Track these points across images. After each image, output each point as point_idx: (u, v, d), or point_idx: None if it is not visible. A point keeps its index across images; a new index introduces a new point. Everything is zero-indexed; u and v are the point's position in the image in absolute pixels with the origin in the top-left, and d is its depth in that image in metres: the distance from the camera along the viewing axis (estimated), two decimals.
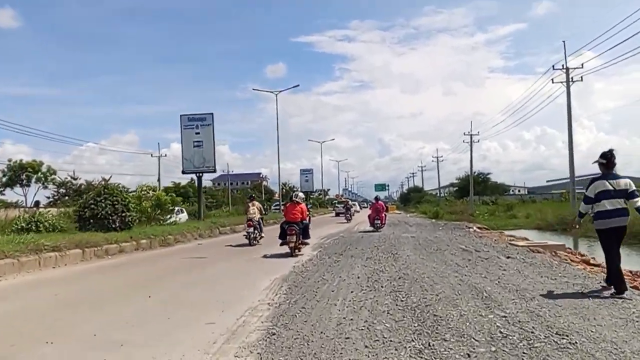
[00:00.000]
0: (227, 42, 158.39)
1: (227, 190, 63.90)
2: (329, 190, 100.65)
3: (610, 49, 66.19)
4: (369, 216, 22.57)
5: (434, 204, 66.54)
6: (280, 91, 42.91)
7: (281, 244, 12.40)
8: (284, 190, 50.53)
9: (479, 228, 24.23)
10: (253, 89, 44.71)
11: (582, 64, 31.80)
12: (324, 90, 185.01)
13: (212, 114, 24.39)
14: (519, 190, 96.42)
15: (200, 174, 24.69)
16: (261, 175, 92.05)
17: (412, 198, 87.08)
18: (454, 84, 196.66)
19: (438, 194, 77.31)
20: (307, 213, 14.13)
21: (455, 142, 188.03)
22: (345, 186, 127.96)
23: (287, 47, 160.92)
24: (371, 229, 21.48)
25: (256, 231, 15.41)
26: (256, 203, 16.26)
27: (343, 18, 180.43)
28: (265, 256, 12.27)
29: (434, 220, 36.30)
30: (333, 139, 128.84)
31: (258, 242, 15.48)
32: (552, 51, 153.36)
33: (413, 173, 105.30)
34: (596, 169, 6.47)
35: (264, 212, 17.20)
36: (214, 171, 25.17)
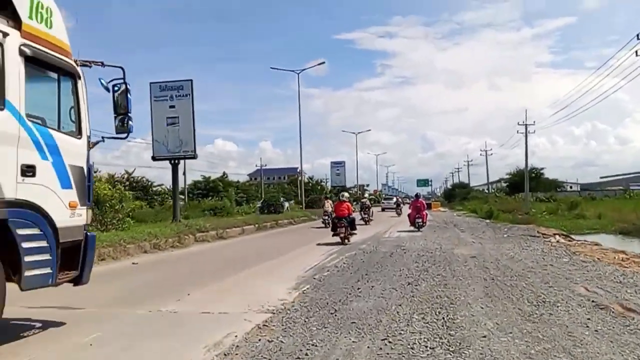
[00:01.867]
0: (269, 41, 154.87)
1: (260, 185, 58.50)
2: (367, 185, 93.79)
3: None
4: (409, 215, 20.92)
5: (483, 200, 59.66)
6: (303, 70, 37.49)
7: (333, 235, 14.86)
8: (310, 185, 44.47)
9: (558, 235, 17.38)
10: (271, 68, 36.30)
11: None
12: (365, 86, 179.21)
13: (191, 80, 18.49)
14: (570, 187, 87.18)
15: (176, 161, 18.71)
16: (298, 170, 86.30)
17: (457, 194, 79.21)
18: (500, 79, 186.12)
19: (487, 190, 69.41)
20: (353, 209, 16.53)
21: (501, 138, 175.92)
22: (386, 182, 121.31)
23: (329, 45, 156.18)
24: (412, 229, 19.66)
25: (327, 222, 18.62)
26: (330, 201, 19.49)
27: (385, 14, 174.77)
28: (319, 244, 14.07)
29: (488, 220, 29.29)
30: (369, 130, 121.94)
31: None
32: (602, 45, 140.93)
33: (458, 168, 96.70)
34: None
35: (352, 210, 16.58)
36: (194, 157, 19.01)
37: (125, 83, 5.35)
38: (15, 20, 4.20)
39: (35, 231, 4.23)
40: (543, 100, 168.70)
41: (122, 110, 5.41)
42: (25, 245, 4.08)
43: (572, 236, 15.88)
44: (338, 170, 56.67)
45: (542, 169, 74.71)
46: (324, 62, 32.30)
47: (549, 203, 48.80)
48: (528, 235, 17.20)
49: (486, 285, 7.13)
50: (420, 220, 19.91)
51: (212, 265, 10.75)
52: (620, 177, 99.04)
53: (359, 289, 7.00)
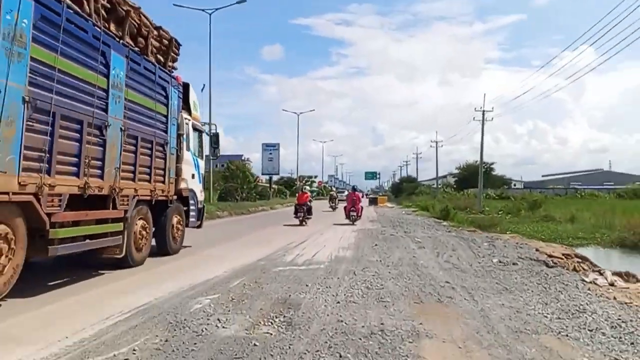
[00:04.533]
0: (224, 23, 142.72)
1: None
2: (315, 177, 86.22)
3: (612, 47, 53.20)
4: (344, 208, 21.33)
5: (431, 196, 54.15)
6: (216, 9, 29.31)
7: (295, 217, 18.84)
8: (229, 171, 36.08)
9: (596, 271, 10.33)
10: (174, 5, 27.05)
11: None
12: (319, 75, 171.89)
13: None
14: (514, 185, 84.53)
15: None
16: (243, 158, 76.92)
17: (404, 189, 74.50)
18: (450, 75, 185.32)
19: (435, 185, 63.88)
20: (310, 199, 21.03)
21: (447, 134, 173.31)
22: (335, 173, 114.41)
23: (285, 29, 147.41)
24: (347, 222, 19.93)
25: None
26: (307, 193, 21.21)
27: (342, 1, 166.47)
28: (285, 225, 18.00)
29: (445, 223, 22.28)
30: (313, 110, 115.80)
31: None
32: (549, 44, 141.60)
33: (407, 161, 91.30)
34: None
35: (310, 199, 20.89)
36: None
37: (217, 132, 12.78)
38: (188, 111, 10.17)
39: (193, 201, 10.34)
40: (490, 98, 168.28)
41: (215, 145, 12.44)
42: (191, 207, 10.16)
43: (622, 274, 8.79)
44: (271, 154, 48.06)
45: (492, 164, 70.78)
46: (245, 1, 23.32)
47: (501, 201, 44.33)
48: (530, 260, 10.02)
49: None
50: (354, 213, 20.06)
51: None
52: (562, 175, 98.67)
53: None
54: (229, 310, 5.16)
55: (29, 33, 5.10)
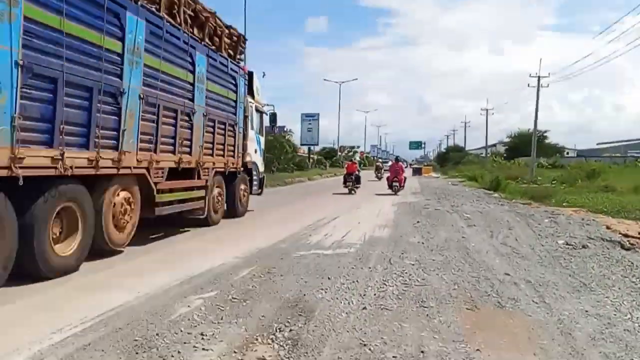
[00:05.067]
0: None
1: None
2: (358, 147, 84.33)
3: None
4: (387, 178, 21.40)
5: (479, 165, 51.30)
6: None
7: (344, 186, 19.92)
8: (277, 144, 34.68)
9: None
10: None
11: None
12: (365, 45, 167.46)
13: None
14: (567, 153, 79.15)
15: None
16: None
17: (451, 158, 70.48)
18: (502, 42, 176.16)
19: (485, 154, 60.70)
20: (358, 168, 22.38)
21: (497, 103, 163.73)
22: (378, 143, 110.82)
23: (330, 0, 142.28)
24: (389, 192, 19.77)
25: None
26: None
27: None
28: (334, 193, 19.05)
29: (496, 194, 20.36)
30: (355, 79, 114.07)
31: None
32: (609, 9, 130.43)
33: (454, 130, 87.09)
34: None
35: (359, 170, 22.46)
36: None
37: (274, 112, 14.03)
38: (252, 95, 11.38)
39: (256, 172, 11.80)
40: (545, 65, 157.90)
41: (273, 123, 14.38)
42: (254, 177, 11.60)
43: None
44: (310, 124, 46.47)
45: (545, 131, 66.36)
46: None
47: (554, 170, 41.28)
48: (602, 240, 8.35)
49: None
50: (397, 184, 19.99)
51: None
52: (618, 144, 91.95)
53: None
54: (222, 318, 3.97)
55: (143, 45, 6.49)
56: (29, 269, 4.81)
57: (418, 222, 10.53)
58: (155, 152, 7.00)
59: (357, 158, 74.10)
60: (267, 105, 13.43)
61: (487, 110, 54.87)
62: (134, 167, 6.49)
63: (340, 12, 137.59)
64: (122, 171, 6.23)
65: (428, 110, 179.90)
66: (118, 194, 6.37)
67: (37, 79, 4.68)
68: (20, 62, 4.42)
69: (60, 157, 4.97)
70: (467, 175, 37.98)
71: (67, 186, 5.26)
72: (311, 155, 48.19)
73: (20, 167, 4.47)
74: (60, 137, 4.98)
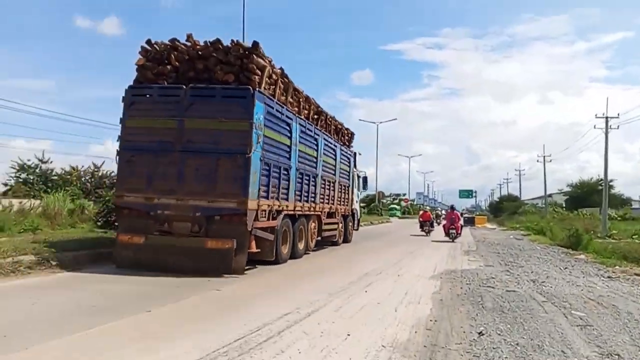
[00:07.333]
0: (315, 51, 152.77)
1: None
2: (404, 195, 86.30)
3: None
4: (443, 226, 23.75)
5: (538, 215, 47.25)
6: None
7: (420, 230, 26.26)
8: None
9: None
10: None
11: None
12: (410, 97, 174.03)
13: None
14: (630, 204, 71.17)
15: None
16: None
17: (505, 208, 68.71)
18: (551, 93, 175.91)
19: (543, 204, 60.81)
20: (432, 216, 28.98)
21: (550, 152, 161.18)
22: (424, 190, 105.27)
23: (375, 55, 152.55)
24: (446, 239, 21.80)
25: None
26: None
27: (434, 26, 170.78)
28: (411, 235, 25.42)
29: (582, 255, 15.38)
30: (395, 119, 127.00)
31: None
32: None
33: (507, 179, 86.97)
34: None
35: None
36: None
37: (365, 175, 21.12)
38: (349, 146, 17.64)
39: (356, 215, 19.52)
40: (597, 114, 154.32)
41: (364, 183, 20.76)
42: (349, 224, 18.00)
43: None
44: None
45: (611, 180, 59.52)
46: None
47: (625, 222, 34.46)
48: None
49: None
50: (454, 231, 21.71)
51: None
52: None
53: None
54: None
55: (263, 122, 9.17)
56: (288, 257, 10.94)
57: (481, 332, 5.21)
58: (324, 204, 13.81)
59: (403, 204, 78.84)
60: (360, 170, 19.47)
61: (544, 157, 52.37)
62: (316, 211, 13.23)
63: (385, 66, 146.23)
64: (314, 212, 13.01)
65: (476, 160, 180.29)
66: (312, 223, 13.04)
67: (296, 171, 11.36)
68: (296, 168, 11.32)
69: (298, 206, 11.61)
70: (530, 227, 33.71)
71: (299, 219, 11.85)
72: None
73: (294, 210, 11.32)
74: (295, 196, 11.29)
